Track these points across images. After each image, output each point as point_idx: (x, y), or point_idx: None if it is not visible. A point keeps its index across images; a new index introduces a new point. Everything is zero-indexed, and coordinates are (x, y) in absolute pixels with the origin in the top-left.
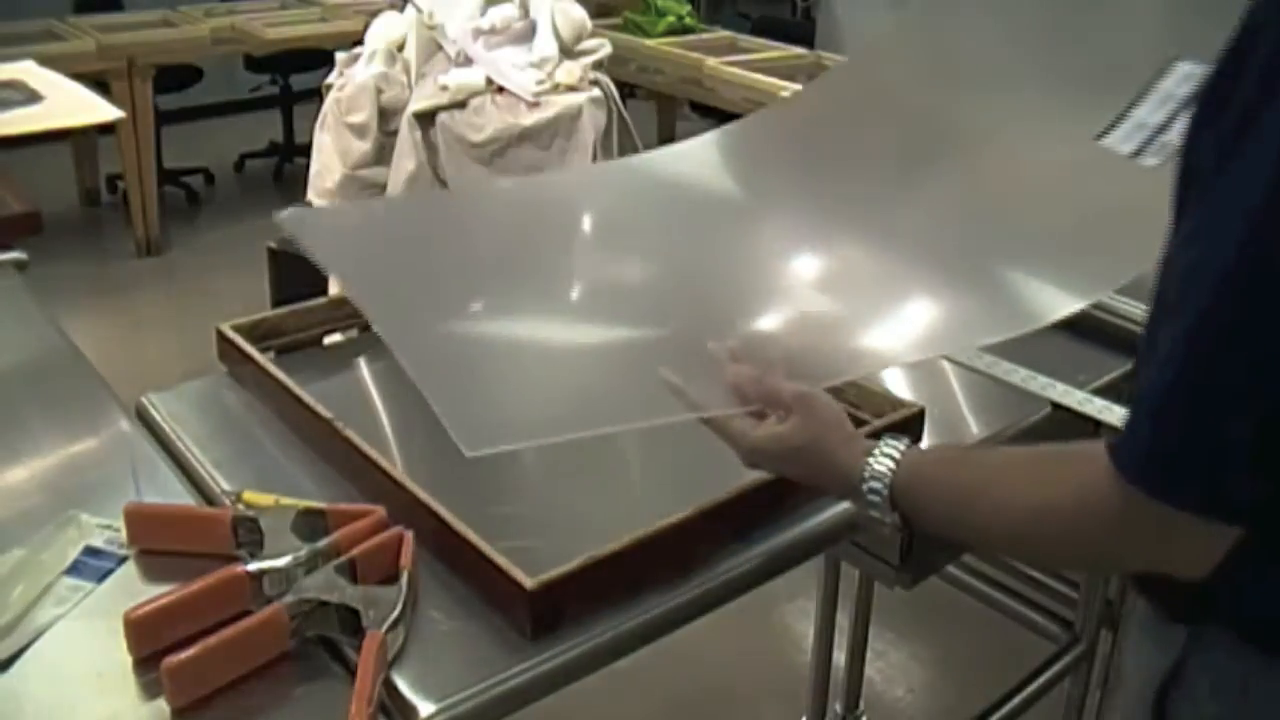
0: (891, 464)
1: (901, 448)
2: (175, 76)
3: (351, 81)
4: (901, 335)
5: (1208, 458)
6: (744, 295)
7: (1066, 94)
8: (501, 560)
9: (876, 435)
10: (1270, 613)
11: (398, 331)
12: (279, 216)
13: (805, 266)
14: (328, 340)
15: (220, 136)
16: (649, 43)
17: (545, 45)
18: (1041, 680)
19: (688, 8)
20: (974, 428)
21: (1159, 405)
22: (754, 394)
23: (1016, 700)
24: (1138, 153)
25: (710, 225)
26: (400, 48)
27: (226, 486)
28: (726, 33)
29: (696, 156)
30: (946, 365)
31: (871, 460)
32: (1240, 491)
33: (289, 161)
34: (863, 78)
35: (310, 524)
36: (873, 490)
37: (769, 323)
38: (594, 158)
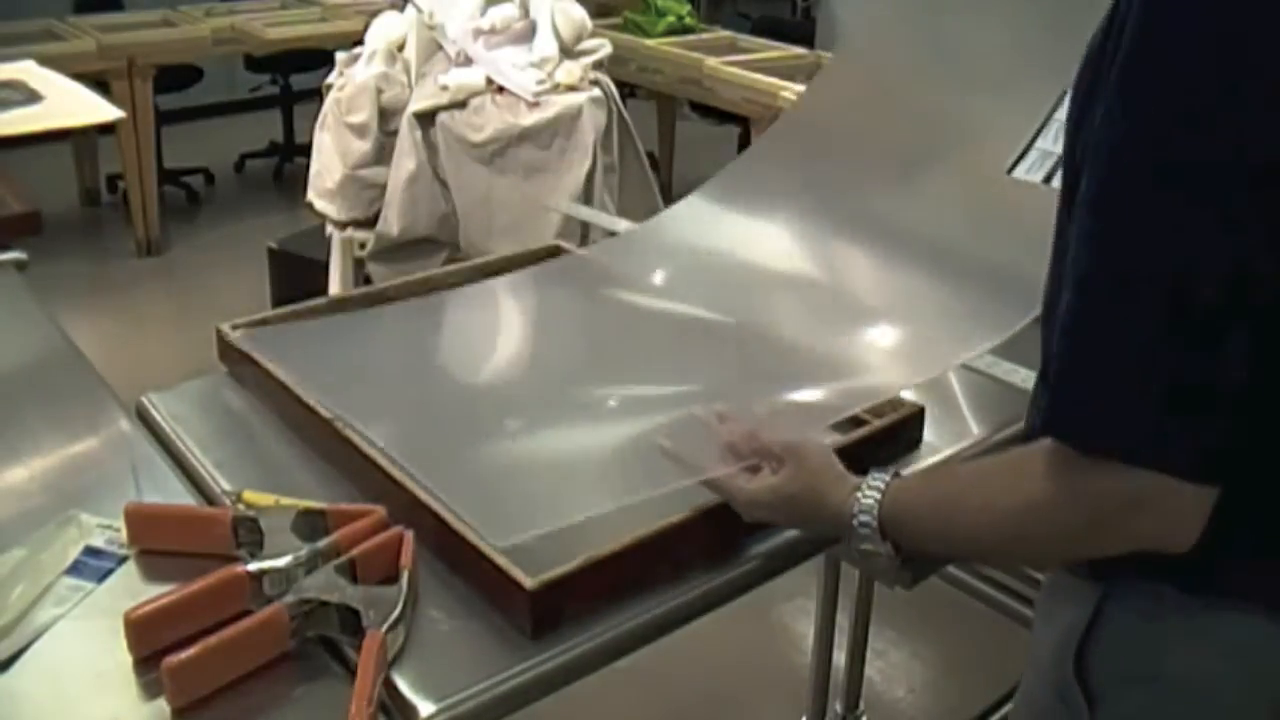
0: (877, 495)
1: (886, 478)
2: (175, 76)
3: (351, 81)
4: (891, 361)
5: (1121, 398)
6: (727, 354)
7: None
8: (502, 560)
9: (872, 440)
10: (1190, 553)
11: (403, 443)
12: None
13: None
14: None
15: (220, 136)
16: (649, 43)
17: (545, 45)
18: None
19: (688, 8)
20: (974, 427)
21: (1066, 357)
22: (747, 450)
23: None
24: (1048, 178)
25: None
26: (400, 48)
27: (227, 486)
28: (726, 33)
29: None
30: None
31: (859, 495)
32: (1170, 437)
33: (289, 161)
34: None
35: (310, 524)
36: (863, 524)
37: (755, 381)
38: (594, 158)
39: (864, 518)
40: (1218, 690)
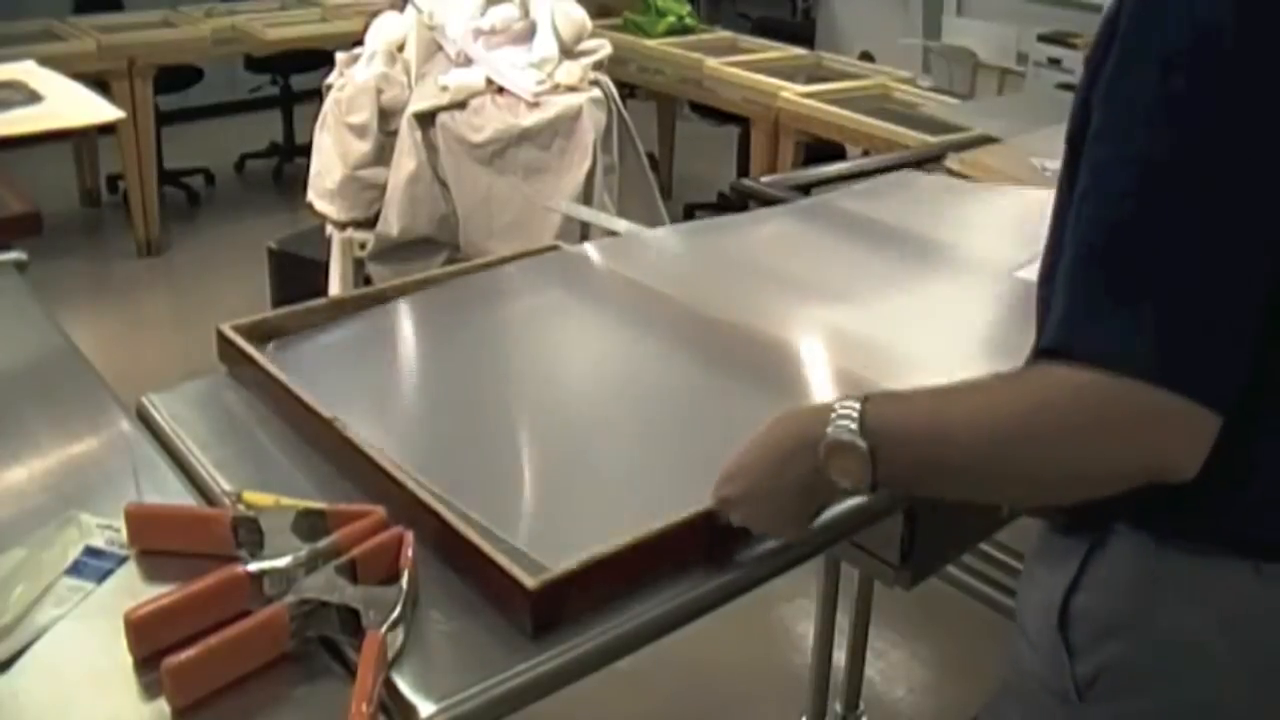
0: (861, 399)
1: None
2: (175, 76)
3: (352, 82)
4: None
5: (1148, 321)
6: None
7: None
8: (502, 560)
9: None
10: (1171, 504)
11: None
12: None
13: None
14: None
15: (220, 136)
16: (649, 43)
17: (545, 45)
18: None
19: (688, 8)
20: None
21: (1071, 273)
22: None
23: None
24: None
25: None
26: (400, 48)
27: (227, 486)
28: (726, 33)
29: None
30: (949, 366)
31: (840, 400)
32: (1195, 361)
33: (289, 162)
34: None
35: (310, 524)
36: (843, 415)
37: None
38: (594, 158)
39: (844, 409)
40: (1200, 647)
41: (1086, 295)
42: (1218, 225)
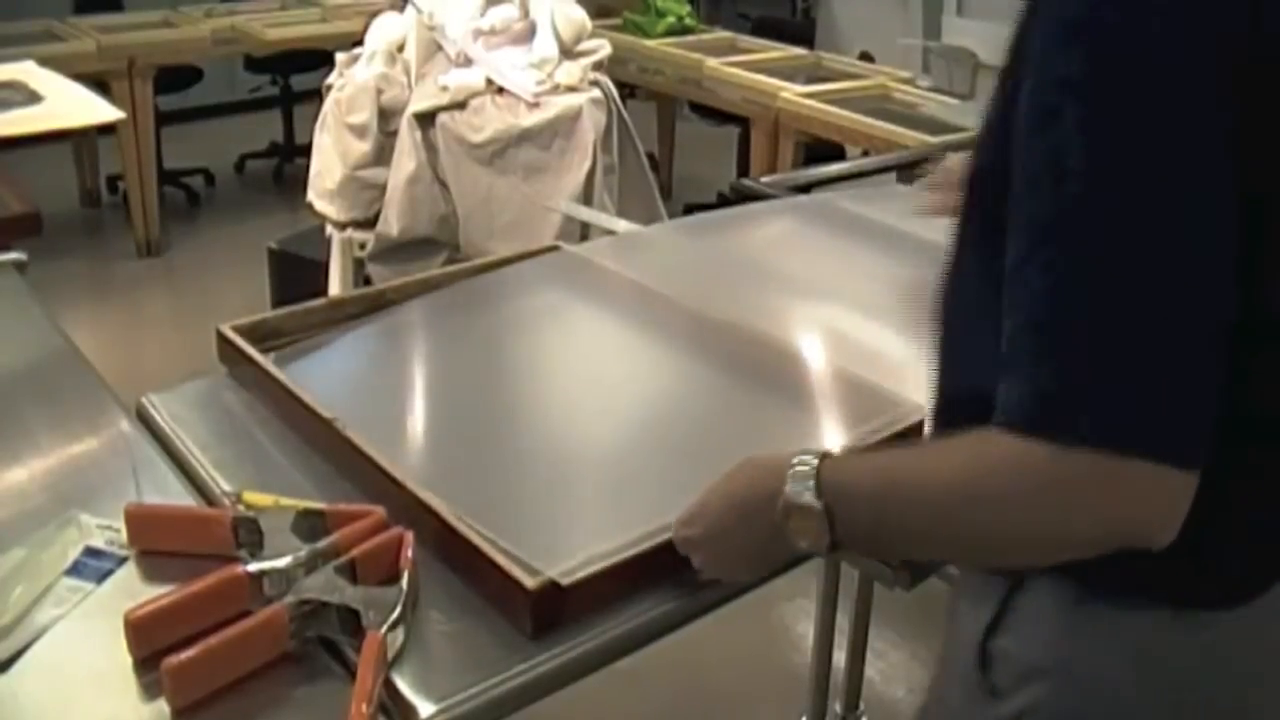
0: (815, 457)
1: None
2: (175, 77)
3: (351, 82)
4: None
5: (1092, 379)
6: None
7: None
8: (502, 560)
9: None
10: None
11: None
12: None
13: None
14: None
15: (220, 137)
16: (649, 43)
17: (545, 46)
18: None
19: (688, 8)
20: None
21: (1032, 341)
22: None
23: None
24: None
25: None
26: (400, 48)
27: (227, 487)
28: (726, 33)
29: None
30: None
31: (797, 457)
32: (1165, 422)
33: (289, 162)
34: None
35: (310, 524)
36: (800, 472)
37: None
38: (594, 158)
39: (801, 466)
40: (1119, 693)
41: (1036, 367)
42: (1170, 275)
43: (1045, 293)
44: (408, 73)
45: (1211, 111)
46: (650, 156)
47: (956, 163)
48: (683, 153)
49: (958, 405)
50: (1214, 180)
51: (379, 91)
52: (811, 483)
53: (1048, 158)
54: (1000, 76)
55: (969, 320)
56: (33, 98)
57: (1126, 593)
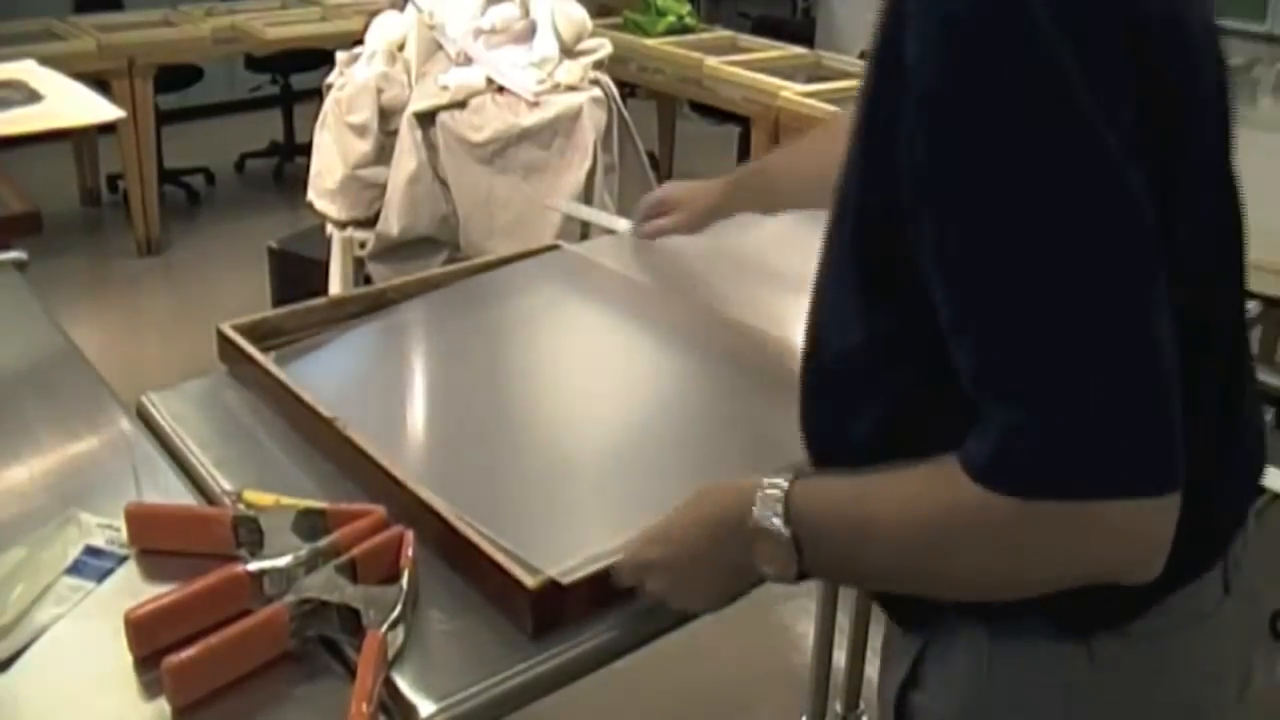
0: (788, 478)
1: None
2: (175, 76)
3: (352, 81)
4: None
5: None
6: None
7: None
8: (503, 559)
9: None
10: None
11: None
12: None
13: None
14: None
15: (220, 136)
16: (649, 43)
17: (545, 45)
18: None
19: (688, 8)
20: None
21: (988, 388)
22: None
23: None
24: None
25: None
26: (400, 48)
27: (227, 486)
28: (726, 32)
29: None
30: None
31: (766, 478)
32: (1138, 457)
33: (289, 161)
34: None
35: (310, 524)
36: (769, 495)
37: None
38: (594, 157)
39: (771, 489)
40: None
41: (992, 417)
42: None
43: (985, 347)
44: (408, 72)
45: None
46: (650, 156)
47: (667, 191)
48: (683, 152)
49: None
50: (1126, 199)
51: (379, 91)
52: (780, 507)
53: (957, 199)
54: (866, 92)
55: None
56: (33, 97)
57: (1038, 633)
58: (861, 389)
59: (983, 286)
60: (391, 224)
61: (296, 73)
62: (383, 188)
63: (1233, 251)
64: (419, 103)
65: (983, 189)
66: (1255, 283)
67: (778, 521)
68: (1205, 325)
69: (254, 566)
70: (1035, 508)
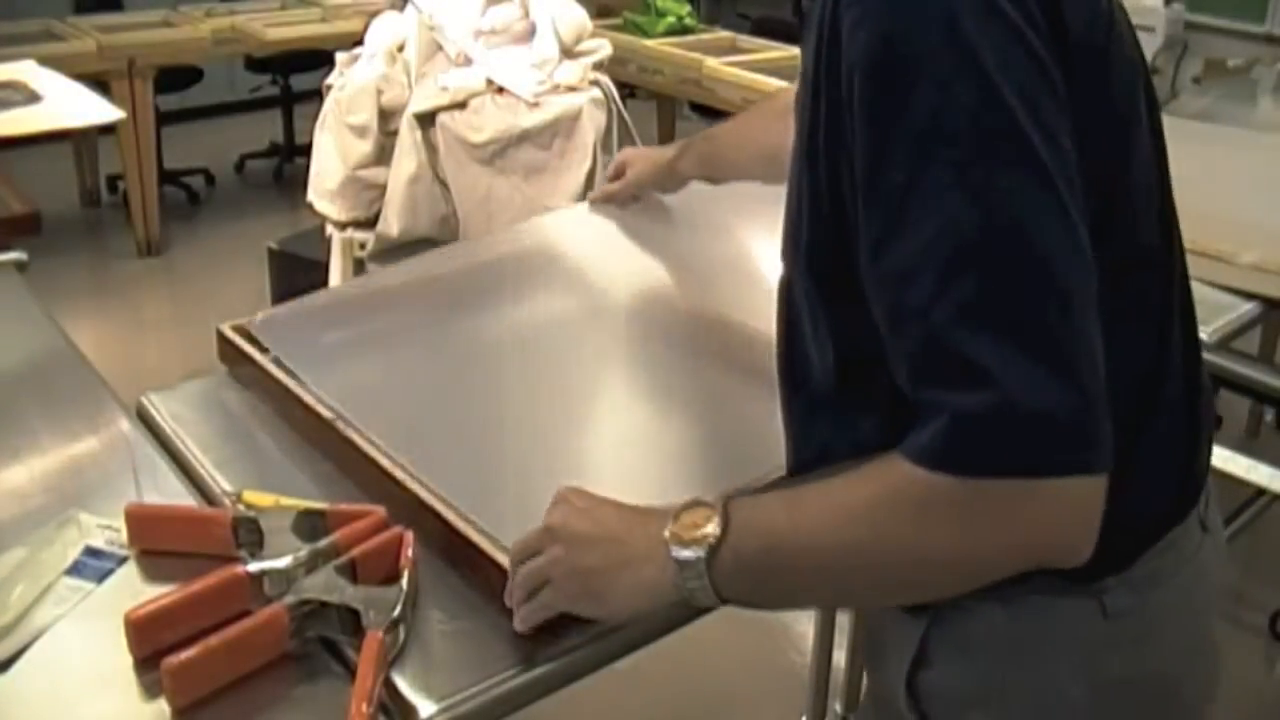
0: (718, 504)
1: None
2: (175, 76)
3: (352, 82)
4: None
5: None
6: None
7: None
8: (504, 558)
9: None
10: None
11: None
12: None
13: None
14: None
15: (220, 136)
16: (649, 43)
17: (545, 46)
18: None
19: (688, 8)
20: None
21: (924, 373)
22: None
23: None
24: None
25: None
26: (400, 48)
27: (227, 487)
28: (726, 33)
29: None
30: None
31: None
32: (1074, 435)
33: (289, 162)
34: None
35: (310, 524)
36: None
37: None
38: (594, 158)
39: (690, 553)
40: (1062, 701)
41: (935, 401)
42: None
43: (928, 334)
44: (408, 73)
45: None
46: None
47: (625, 155)
48: None
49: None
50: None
51: (379, 91)
52: (716, 515)
53: (901, 198)
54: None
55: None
56: (33, 97)
57: (1051, 592)
58: (854, 402)
59: (923, 275)
60: (391, 225)
61: (296, 73)
62: (382, 188)
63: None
64: (419, 103)
65: (924, 189)
66: (1256, 283)
67: (706, 510)
68: (1155, 297)
69: (254, 567)
70: (981, 486)
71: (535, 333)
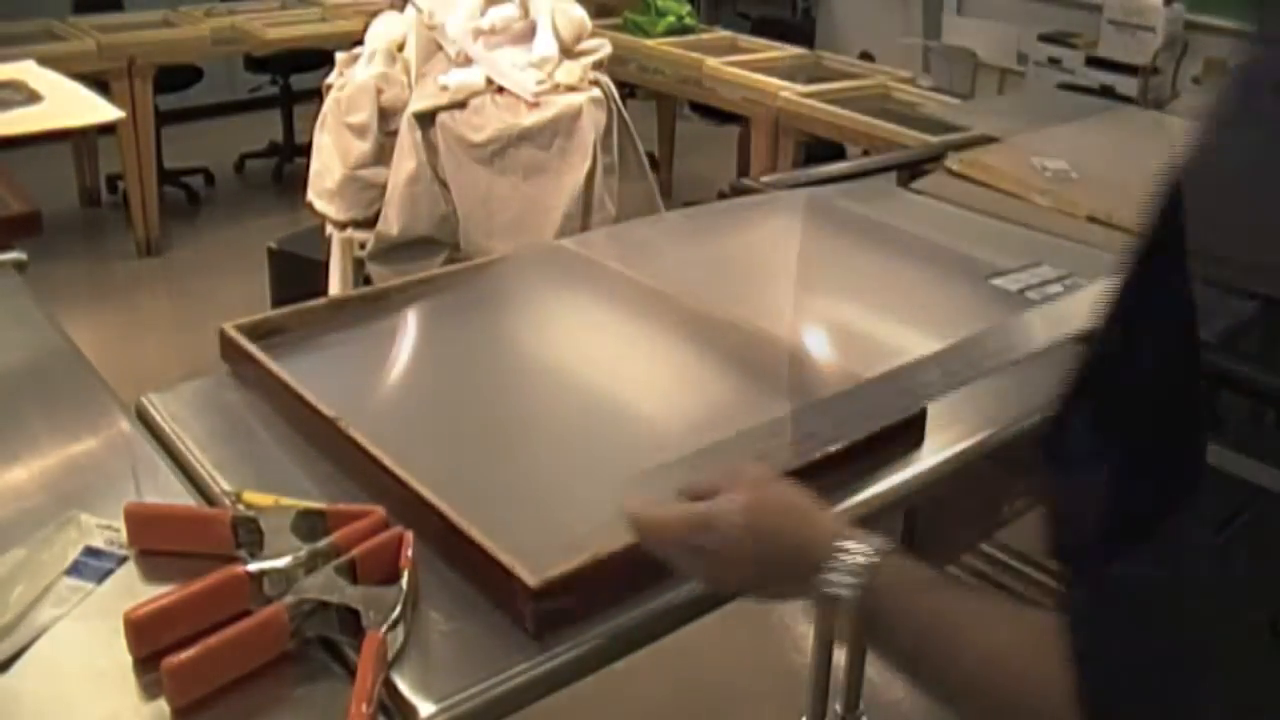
0: (868, 553)
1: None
2: (175, 76)
3: (351, 81)
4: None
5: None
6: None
7: None
8: (505, 558)
9: (876, 439)
10: None
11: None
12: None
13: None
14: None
15: (220, 136)
16: (649, 43)
17: (545, 45)
18: None
19: (688, 8)
20: (975, 428)
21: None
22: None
23: None
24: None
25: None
26: (400, 48)
27: (226, 486)
28: (726, 33)
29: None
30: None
31: (845, 543)
32: None
33: (289, 162)
34: None
35: (310, 524)
36: (852, 555)
37: None
38: (594, 158)
39: (851, 559)
40: None
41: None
42: None
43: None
44: (408, 72)
45: None
46: (650, 156)
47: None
48: (683, 152)
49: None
50: None
51: (379, 91)
52: (854, 580)
53: None
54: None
55: None
56: (33, 97)
57: None
58: None
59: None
60: (391, 224)
61: (296, 73)
62: (382, 188)
63: None
64: (419, 103)
65: None
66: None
67: (847, 593)
68: None
69: (254, 567)
70: None
71: (537, 336)
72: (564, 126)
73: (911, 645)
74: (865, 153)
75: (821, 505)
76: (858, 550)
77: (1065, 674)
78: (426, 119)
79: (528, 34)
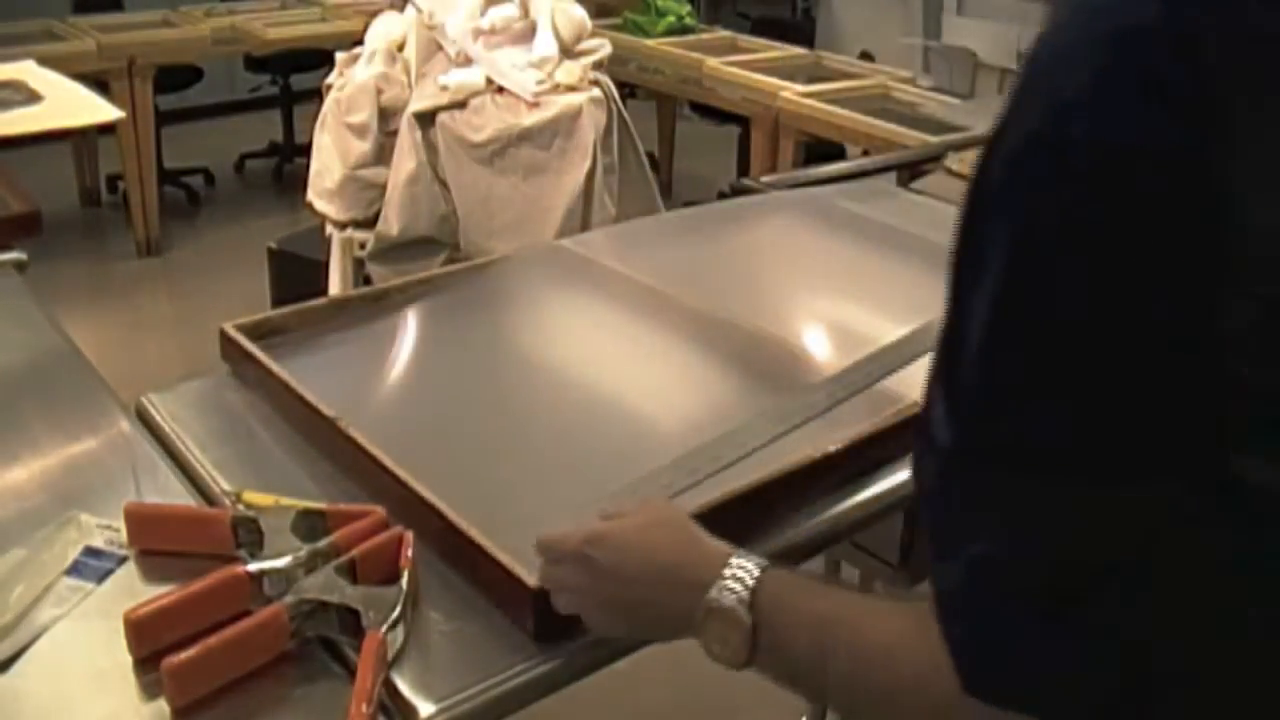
0: (758, 566)
1: (760, 561)
2: (175, 76)
3: (351, 81)
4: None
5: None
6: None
7: None
8: (506, 559)
9: (879, 438)
10: None
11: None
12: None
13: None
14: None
15: (220, 136)
16: (649, 43)
17: (545, 45)
18: None
19: (688, 8)
20: None
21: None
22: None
23: None
24: None
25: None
26: (400, 48)
27: (226, 486)
28: (726, 33)
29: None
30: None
31: (734, 558)
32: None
33: (289, 161)
34: None
35: (310, 524)
36: (740, 569)
37: None
38: (594, 158)
39: (740, 572)
40: None
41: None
42: None
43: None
44: (408, 72)
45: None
46: (650, 156)
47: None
48: (683, 152)
49: None
50: None
51: (379, 91)
52: (746, 595)
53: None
54: None
55: None
56: (33, 97)
57: None
58: None
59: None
60: (391, 224)
61: (296, 73)
62: (382, 188)
63: None
64: (419, 103)
65: None
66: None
67: (740, 608)
68: None
69: (254, 567)
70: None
71: (537, 336)
72: (564, 126)
73: (808, 643)
74: (865, 153)
75: (712, 536)
76: (745, 564)
77: (945, 656)
78: (426, 119)
79: (528, 34)
